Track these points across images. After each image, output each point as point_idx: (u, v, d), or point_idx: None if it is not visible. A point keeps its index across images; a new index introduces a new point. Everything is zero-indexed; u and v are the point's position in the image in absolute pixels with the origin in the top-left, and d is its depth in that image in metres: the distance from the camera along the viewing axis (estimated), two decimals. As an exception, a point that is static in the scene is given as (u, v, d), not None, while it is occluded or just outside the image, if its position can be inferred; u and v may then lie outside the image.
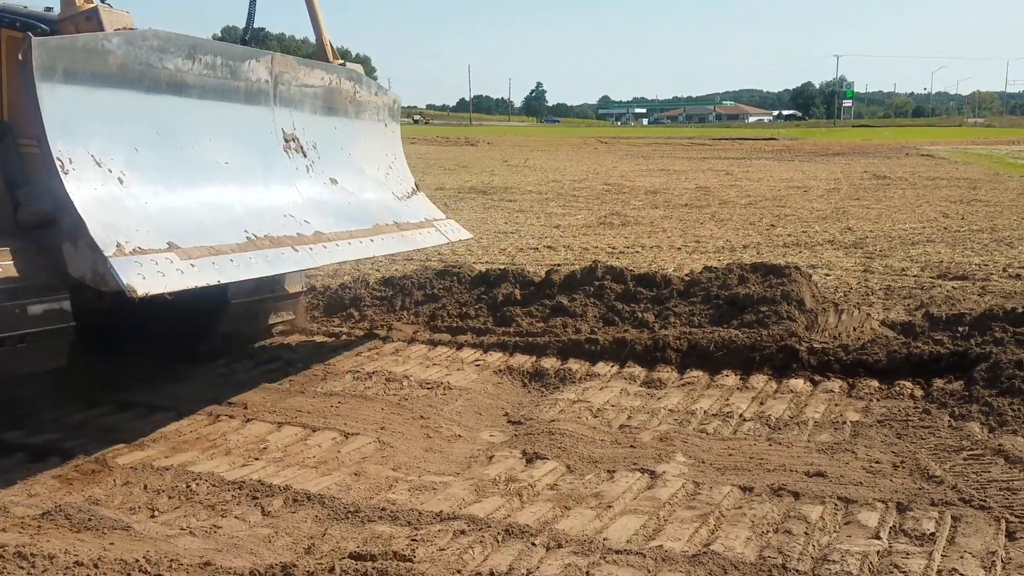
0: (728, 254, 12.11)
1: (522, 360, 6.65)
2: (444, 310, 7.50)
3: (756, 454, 4.74)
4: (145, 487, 4.12)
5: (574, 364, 6.52)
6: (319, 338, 7.17)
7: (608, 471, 4.54)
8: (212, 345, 6.59)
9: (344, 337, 7.17)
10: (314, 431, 5.05)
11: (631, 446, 4.95)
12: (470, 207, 18.12)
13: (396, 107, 7.45)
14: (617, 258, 11.70)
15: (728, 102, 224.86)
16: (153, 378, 6.06)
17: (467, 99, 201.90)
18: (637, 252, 12.36)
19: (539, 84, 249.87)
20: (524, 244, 13.05)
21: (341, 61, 6.85)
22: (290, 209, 5.56)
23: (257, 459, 4.62)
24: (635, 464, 4.60)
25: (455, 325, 7.26)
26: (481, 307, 7.47)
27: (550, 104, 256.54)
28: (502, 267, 8.38)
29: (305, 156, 6.07)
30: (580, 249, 12.60)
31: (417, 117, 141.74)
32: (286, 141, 5.90)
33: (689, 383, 6.08)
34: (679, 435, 5.06)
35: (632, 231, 14.62)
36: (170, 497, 4.03)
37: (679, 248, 12.70)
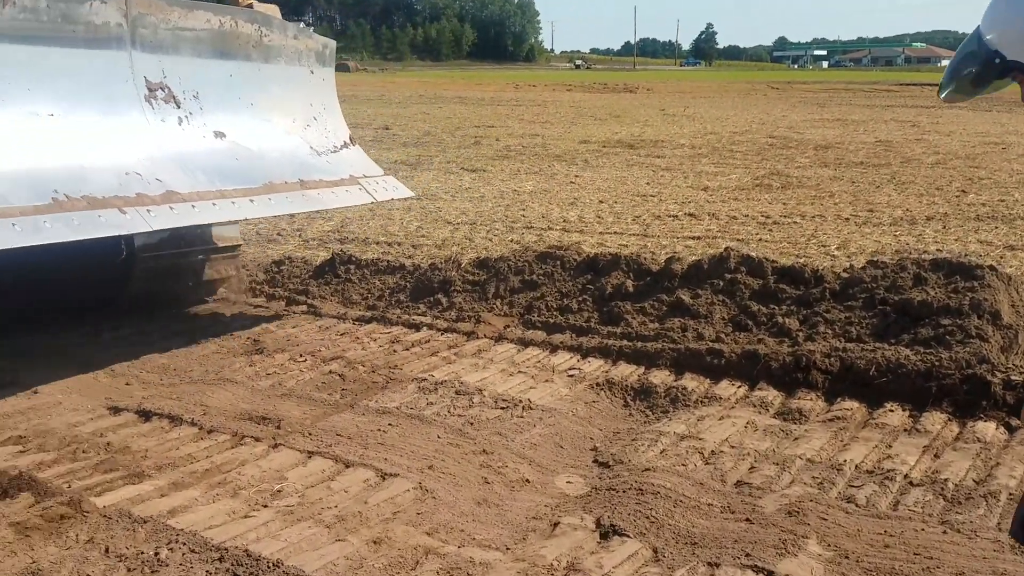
0: (907, 227, 10.42)
1: (627, 372, 5.53)
2: (542, 301, 6.43)
3: (924, 546, 3.49)
4: (107, 550, 3.29)
5: (690, 381, 5.35)
6: (397, 330, 6.26)
7: (709, 563, 3.42)
8: (120, 303, 6.40)
9: (425, 330, 6.22)
10: (347, 467, 4.13)
11: (747, 519, 3.79)
12: (611, 164, 16.83)
13: (328, 52, 6.75)
14: (769, 230, 10.28)
15: (919, 44, 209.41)
16: (204, 377, 5.30)
17: (632, 42, 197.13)
18: (794, 223, 10.84)
19: (709, 25, 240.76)
20: (662, 210, 11.75)
21: (248, 2, 6.18)
22: (138, 166, 5.00)
23: (265, 506, 3.74)
24: (748, 555, 3.45)
25: (552, 321, 6.19)
26: (585, 300, 6.35)
27: (720, 47, 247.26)
28: (613, 251, 7.20)
29: (179, 107, 5.52)
30: (727, 218, 11.20)
31: (579, 62, 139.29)
32: (149, 90, 5.35)
33: (839, 418, 4.82)
34: (817, 506, 3.85)
35: (793, 195, 12.99)
36: (129, 570, 3.19)
37: (847, 219, 11.05)
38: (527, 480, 4.21)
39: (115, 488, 3.83)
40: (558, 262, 6.75)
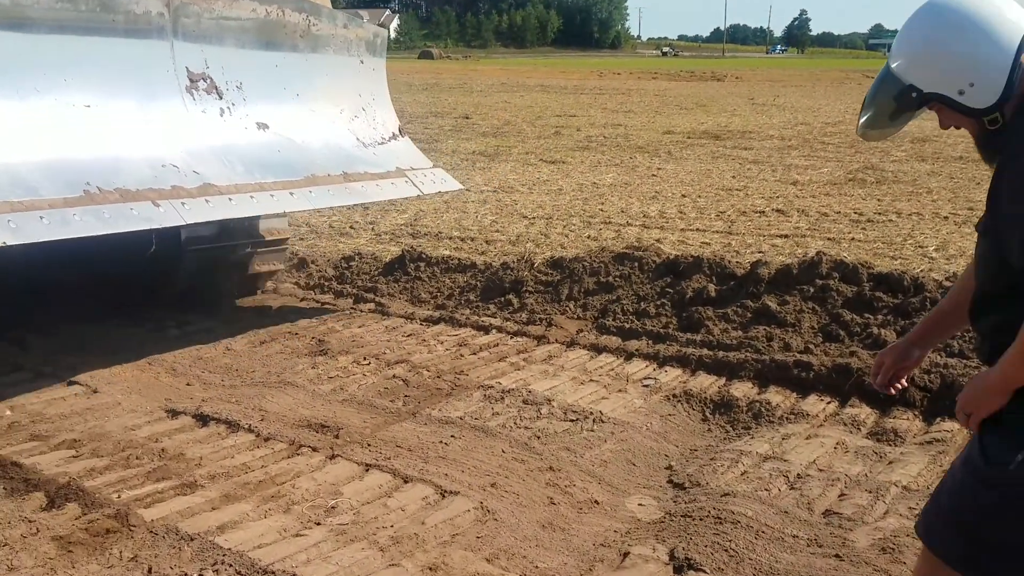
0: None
1: (706, 383, 5.20)
2: (618, 304, 6.12)
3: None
4: (149, 571, 3.14)
5: (776, 395, 5.00)
6: (465, 332, 6.03)
7: None
8: (170, 296, 6.35)
9: (494, 333, 5.98)
10: (405, 482, 3.91)
11: (836, 555, 3.46)
12: (696, 155, 16.33)
13: (379, 41, 6.49)
14: (863, 229, 9.75)
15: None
16: (265, 379, 5.16)
17: (721, 29, 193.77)
18: (889, 221, 10.26)
19: (803, 12, 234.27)
20: (748, 206, 11.29)
21: None
22: (175, 158, 4.88)
23: (318, 524, 3.55)
24: (834, 598, 3.13)
25: (628, 326, 5.88)
26: (664, 304, 6.03)
27: (814, 33, 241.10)
28: (694, 253, 6.84)
29: (221, 97, 5.36)
30: (817, 215, 10.68)
31: (666, 49, 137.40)
32: (191, 81, 5.20)
33: (938, 440, 4.42)
34: (915, 542, 3.49)
35: (888, 191, 12.35)
36: (170, 592, 3.03)
37: (945, 217, 10.42)
38: (596, 501, 3.94)
39: (165, 500, 3.68)
40: (636, 263, 6.43)
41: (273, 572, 3.13)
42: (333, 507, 3.68)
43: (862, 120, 2.17)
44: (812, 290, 5.91)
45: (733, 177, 13.76)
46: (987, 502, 1.99)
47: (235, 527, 3.49)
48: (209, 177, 4.89)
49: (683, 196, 12.02)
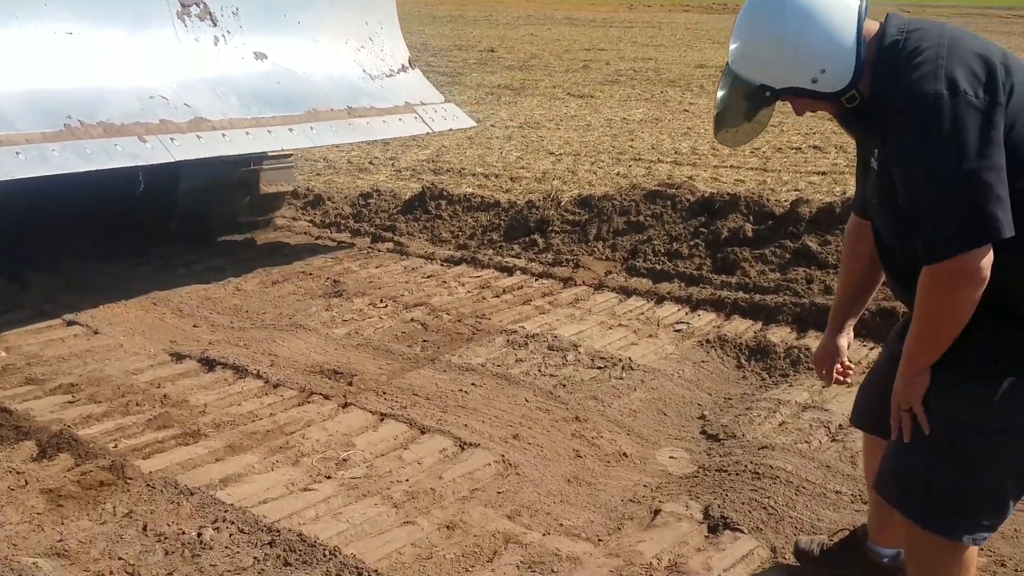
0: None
1: (742, 327, 4.91)
2: (649, 244, 5.80)
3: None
4: (145, 528, 2.93)
5: (815, 340, 4.68)
6: (487, 273, 5.75)
7: None
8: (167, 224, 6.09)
9: (518, 274, 5.69)
10: (422, 433, 3.68)
11: (879, 514, 3.19)
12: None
13: None
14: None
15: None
16: (276, 321, 4.92)
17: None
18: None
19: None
20: (784, 142, 10.85)
21: None
22: (165, 90, 4.62)
23: (328, 478, 3.33)
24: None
25: (659, 268, 5.57)
26: (697, 244, 5.70)
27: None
28: (730, 191, 6.48)
29: (215, 24, 5.05)
30: (855, 151, 10.22)
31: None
32: (183, 6, 4.91)
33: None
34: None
35: (924, 128, 11.82)
36: (167, 553, 2.81)
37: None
38: (624, 454, 3.69)
39: (165, 450, 3.47)
40: (669, 202, 6.10)
41: (278, 530, 2.91)
42: (345, 460, 3.45)
43: (719, 128, 2.17)
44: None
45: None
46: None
47: (239, 480, 3.27)
48: (201, 111, 4.63)
49: (715, 132, 11.56)
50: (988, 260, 1.85)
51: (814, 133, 11.37)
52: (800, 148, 10.46)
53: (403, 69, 6.00)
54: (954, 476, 2.07)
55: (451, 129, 6.17)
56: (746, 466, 3.48)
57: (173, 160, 4.41)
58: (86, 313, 4.85)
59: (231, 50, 5.09)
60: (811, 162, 9.70)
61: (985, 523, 2.10)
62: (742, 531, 3.10)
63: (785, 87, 1.99)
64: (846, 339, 2.58)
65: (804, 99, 2.03)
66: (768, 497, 3.26)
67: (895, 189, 1.96)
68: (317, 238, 6.70)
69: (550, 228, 6.15)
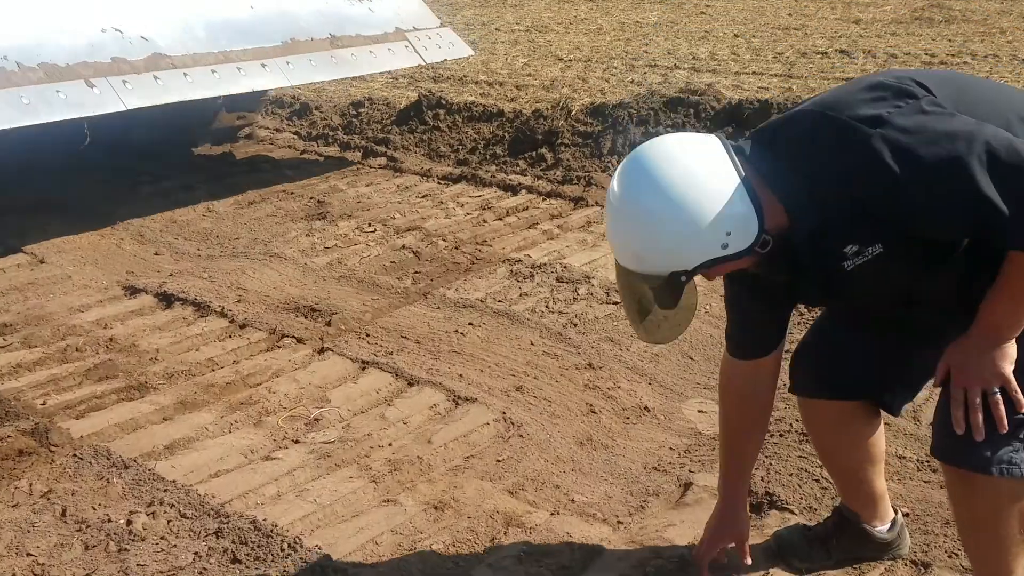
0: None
1: (777, 255, 4.31)
2: (671, 160, 5.16)
3: None
4: (63, 513, 2.40)
5: (860, 270, 4.11)
6: (489, 192, 5.13)
7: (915, 562, 2.35)
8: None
9: (523, 193, 5.08)
10: (410, 385, 3.14)
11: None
12: (746, -9, 14.83)
13: None
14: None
15: None
16: (249, 248, 4.34)
17: None
18: (965, 64, 9.04)
19: None
20: (808, 46, 10.06)
21: None
22: (118, 20, 4.03)
23: (296, 442, 2.80)
24: (958, 553, 2.37)
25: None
26: (726, 159, 5.07)
27: None
28: (759, 97, 5.81)
29: None
30: (885, 56, 9.47)
31: None
32: None
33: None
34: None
35: (958, 31, 10.99)
36: (87, 548, 2.29)
37: (1024, 60, 9.18)
38: (646, 408, 3.15)
39: (104, 407, 2.94)
40: (692, 110, 5.43)
41: (228, 515, 2.39)
42: (317, 419, 2.92)
43: (642, 330, 1.99)
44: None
45: (790, 15, 12.41)
46: None
47: (187, 447, 2.74)
48: (160, 45, 4.05)
49: (736, 36, 10.80)
50: None
51: (839, 37, 10.59)
52: (826, 53, 9.71)
53: None
54: None
55: (445, 59, 5.49)
56: (791, 425, 2.94)
57: (125, 109, 3.79)
58: (32, 238, 4.27)
59: None
60: (839, 68, 8.95)
61: None
62: (791, 510, 2.57)
63: (698, 264, 1.72)
64: (745, 519, 2.26)
65: (720, 266, 1.75)
66: (819, 467, 2.71)
67: (912, 257, 1.73)
68: (302, 152, 6.07)
69: (559, 141, 5.50)
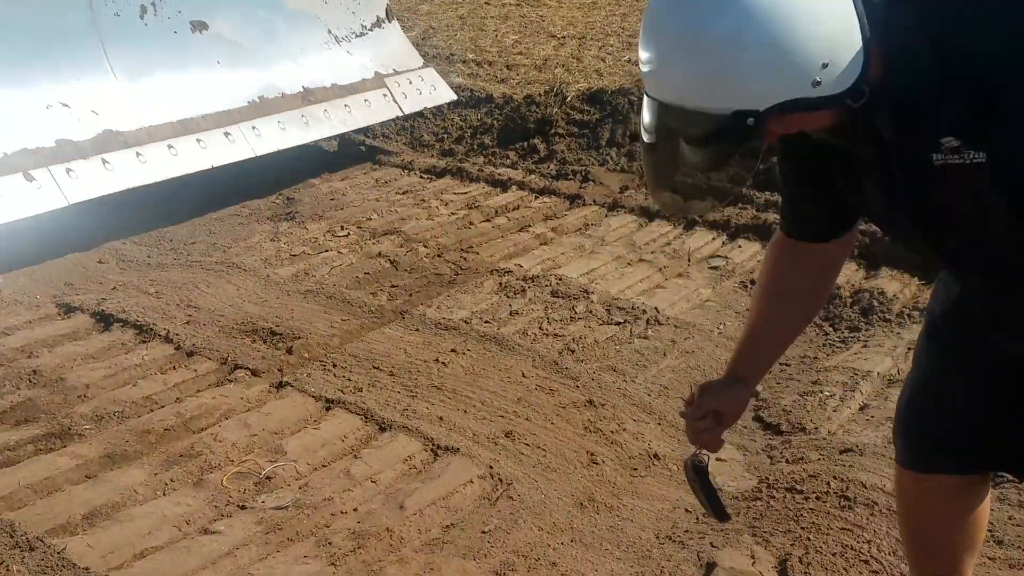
0: None
1: (797, 265, 3.85)
2: (677, 154, 4.70)
3: None
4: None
5: (890, 281, 3.69)
6: (476, 189, 4.65)
7: None
8: None
9: (514, 190, 4.60)
10: (381, 430, 2.68)
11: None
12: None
13: None
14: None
15: None
16: (206, 256, 3.86)
17: None
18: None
19: None
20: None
21: None
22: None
23: (242, 508, 2.35)
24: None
25: (691, 181, 4.47)
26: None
27: None
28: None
29: None
30: None
31: None
32: None
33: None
34: None
35: None
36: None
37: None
38: (655, 456, 2.71)
39: (16, 461, 2.48)
40: (699, 98, 4.94)
41: (150, 617, 1.94)
42: (269, 478, 2.47)
43: (665, 197, 1.59)
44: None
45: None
46: None
47: (110, 517, 2.29)
48: (111, 119, 3.73)
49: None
50: None
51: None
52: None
53: (378, 24, 4.94)
54: None
55: (424, 108, 5.10)
56: (828, 484, 2.51)
57: (67, 205, 3.46)
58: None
59: (160, 24, 4.06)
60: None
61: None
62: (834, 600, 2.13)
63: (774, 104, 1.22)
64: (746, 394, 1.72)
65: (796, 115, 1.26)
66: (868, 543, 2.29)
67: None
68: (273, 140, 5.56)
69: (553, 130, 5.02)
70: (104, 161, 3.63)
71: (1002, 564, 2.29)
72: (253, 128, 4.17)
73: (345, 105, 4.54)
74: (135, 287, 3.49)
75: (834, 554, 2.25)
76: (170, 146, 3.85)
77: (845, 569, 2.20)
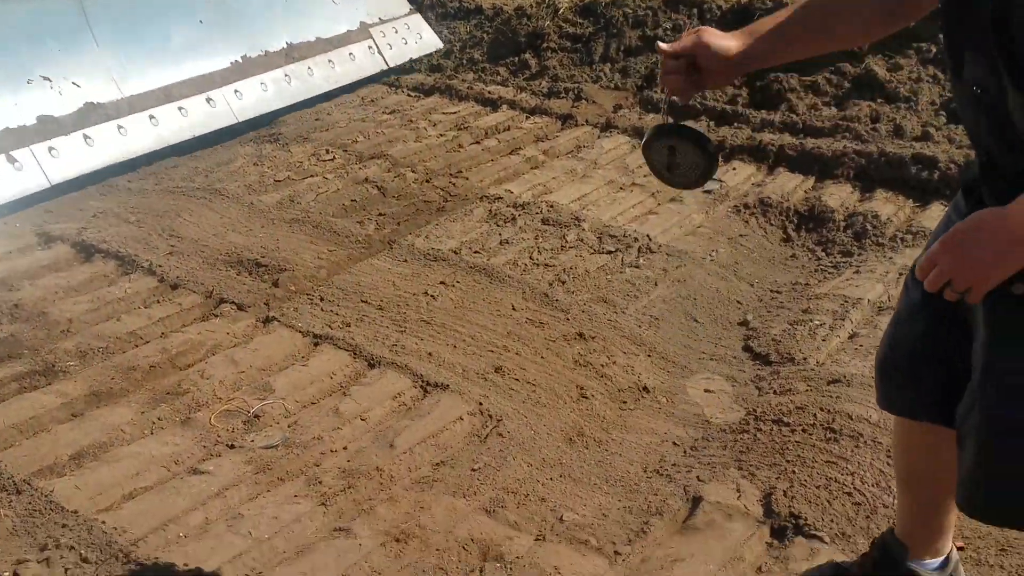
0: None
1: (789, 185, 3.83)
2: (671, 70, 4.58)
3: None
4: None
5: (885, 203, 3.65)
6: (466, 108, 4.54)
7: None
8: None
9: (504, 109, 4.49)
10: (370, 367, 2.67)
11: None
12: None
13: None
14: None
15: None
16: (188, 182, 3.78)
17: None
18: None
19: None
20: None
21: None
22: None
23: (231, 447, 2.34)
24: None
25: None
26: (734, 71, 4.49)
27: None
28: None
29: None
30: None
31: None
32: None
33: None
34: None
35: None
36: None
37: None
38: (645, 389, 2.71)
39: (2, 398, 2.46)
40: (696, 9, 4.79)
41: (138, 561, 1.95)
42: (257, 416, 2.46)
43: None
44: (936, 50, 4.36)
45: None
46: None
47: (98, 458, 2.29)
48: (89, 92, 3.61)
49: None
50: None
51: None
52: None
53: None
54: None
55: (411, 59, 4.89)
56: (815, 416, 2.51)
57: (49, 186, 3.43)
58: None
59: None
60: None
61: None
62: (821, 538, 2.15)
63: None
64: (741, 64, 1.54)
65: None
66: (852, 475, 2.30)
67: None
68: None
69: (544, 44, 4.88)
70: (86, 136, 3.59)
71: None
72: (236, 92, 4.11)
73: (329, 61, 4.47)
74: (115, 215, 3.43)
75: (818, 487, 2.26)
76: (152, 116, 3.81)
77: (828, 501, 2.22)
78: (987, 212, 1.22)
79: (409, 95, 4.70)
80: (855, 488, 2.28)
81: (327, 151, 4.01)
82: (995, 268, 1.22)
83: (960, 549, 2.05)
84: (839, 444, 2.41)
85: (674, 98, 1.60)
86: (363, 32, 4.65)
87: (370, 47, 4.60)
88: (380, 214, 3.51)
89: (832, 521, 2.18)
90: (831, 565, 2.05)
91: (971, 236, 1.23)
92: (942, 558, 1.90)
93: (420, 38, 4.94)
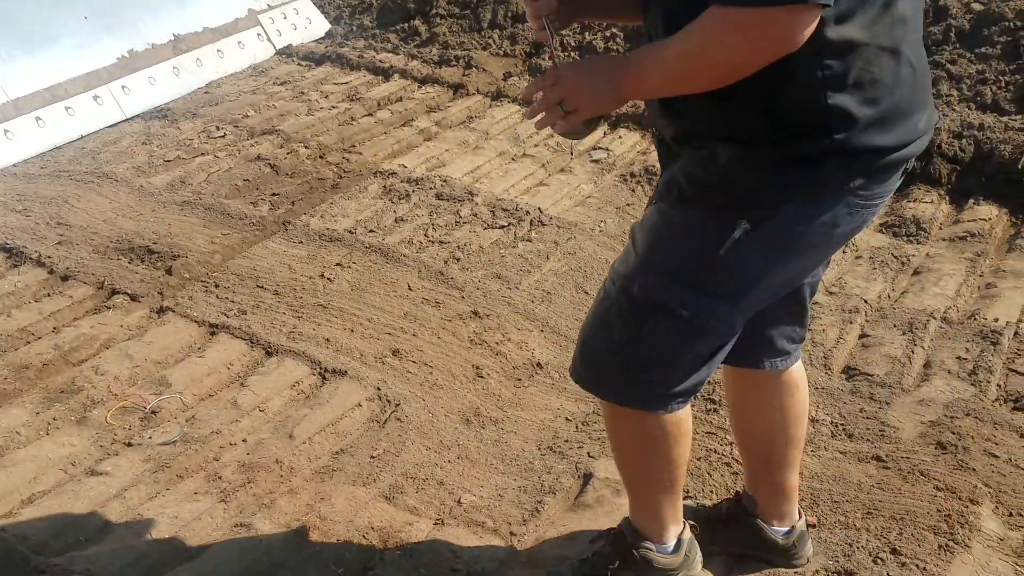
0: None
1: (677, 156, 3.93)
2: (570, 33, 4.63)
3: None
4: None
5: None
6: (357, 78, 4.52)
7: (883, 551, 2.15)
8: None
9: (396, 79, 4.49)
10: (268, 355, 2.71)
11: (876, 458, 2.48)
12: None
13: None
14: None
15: None
16: (76, 164, 3.70)
17: None
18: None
19: None
20: None
21: None
22: None
23: (128, 445, 2.37)
24: (898, 538, 2.17)
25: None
26: (617, 35, 4.56)
27: None
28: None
29: None
30: None
31: None
32: None
33: (973, 235, 3.39)
34: (980, 426, 2.52)
35: None
36: None
37: None
38: (538, 365, 2.82)
39: None
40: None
41: (40, 570, 1.97)
42: (154, 412, 2.48)
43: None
44: None
45: None
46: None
47: (-4, 462, 2.28)
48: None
49: None
50: (811, 29, 1.25)
51: None
52: None
53: None
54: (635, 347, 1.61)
55: (302, 43, 4.80)
56: (697, 387, 2.65)
57: None
58: None
59: None
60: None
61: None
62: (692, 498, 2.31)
63: None
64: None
65: None
66: (731, 444, 2.47)
67: None
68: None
69: (433, 11, 4.87)
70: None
71: (851, 458, 2.49)
72: (123, 88, 4.04)
73: (218, 50, 4.41)
74: (1, 203, 3.34)
75: (699, 458, 2.41)
76: (38, 118, 3.73)
77: (708, 472, 2.37)
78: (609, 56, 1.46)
79: (299, 64, 4.65)
80: (733, 458, 2.44)
81: (217, 127, 3.96)
82: (602, 98, 1.44)
83: (812, 526, 2.22)
84: (719, 415, 2.57)
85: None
86: (251, 19, 4.59)
87: (259, 34, 4.53)
88: (274, 194, 3.51)
89: (712, 491, 2.34)
90: (692, 506, 2.20)
91: (590, 66, 1.46)
92: (788, 527, 2.05)
93: (309, 23, 4.91)
